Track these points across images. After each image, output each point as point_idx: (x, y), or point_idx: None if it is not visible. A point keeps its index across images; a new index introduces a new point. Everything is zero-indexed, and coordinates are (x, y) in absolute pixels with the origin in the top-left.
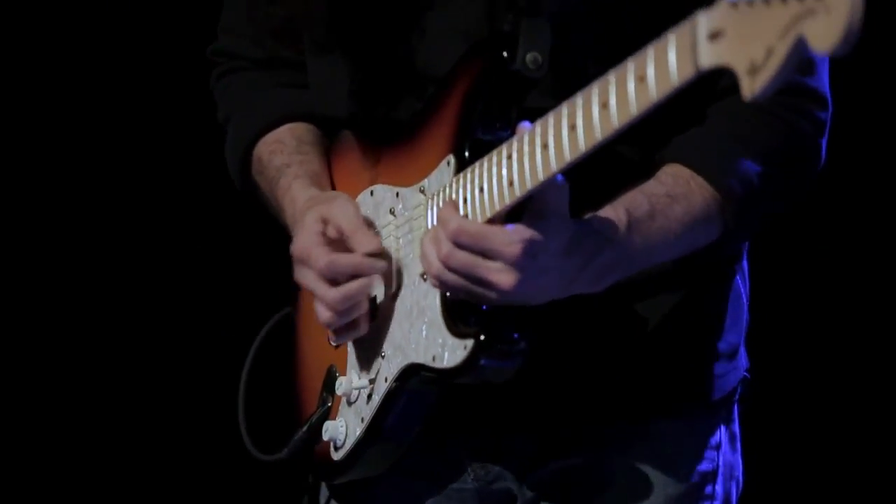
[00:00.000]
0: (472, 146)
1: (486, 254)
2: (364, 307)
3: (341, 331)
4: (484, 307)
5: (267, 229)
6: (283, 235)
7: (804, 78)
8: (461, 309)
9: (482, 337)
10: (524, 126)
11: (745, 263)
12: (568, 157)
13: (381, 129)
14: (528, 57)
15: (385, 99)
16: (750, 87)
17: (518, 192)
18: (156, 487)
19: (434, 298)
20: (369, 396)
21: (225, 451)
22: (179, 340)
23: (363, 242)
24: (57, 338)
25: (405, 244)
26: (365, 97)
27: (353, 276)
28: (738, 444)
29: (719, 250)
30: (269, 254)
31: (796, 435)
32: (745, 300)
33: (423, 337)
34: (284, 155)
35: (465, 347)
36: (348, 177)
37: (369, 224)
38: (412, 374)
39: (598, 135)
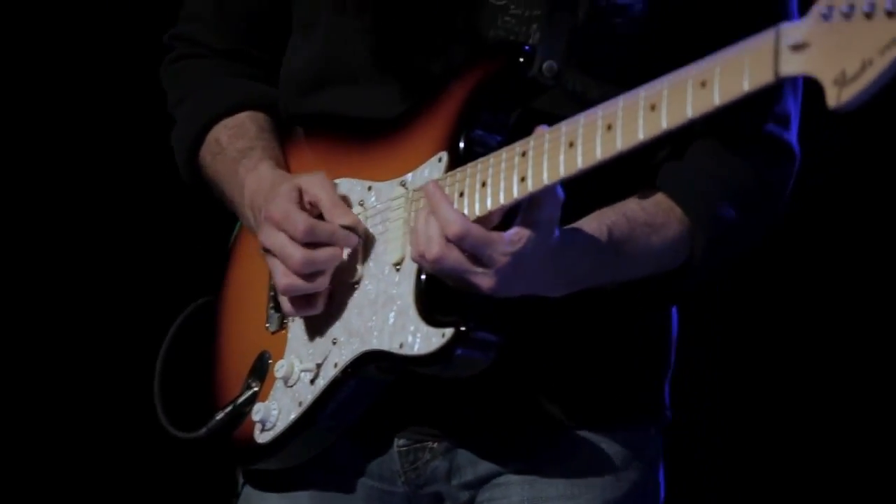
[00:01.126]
0: (467, 145)
1: (478, 258)
2: (327, 279)
3: (299, 303)
4: (463, 300)
5: (191, 221)
6: (209, 228)
7: (782, 132)
8: (437, 299)
9: (463, 328)
10: (542, 128)
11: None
12: (598, 155)
13: (354, 124)
14: (545, 65)
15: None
16: (837, 98)
17: (531, 187)
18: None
19: (407, 286)
20: (313, 380)
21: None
22: (99, 327)
23: (341, 216)
24: None
25: (376, 234)
26: (388, 55)
27: (326, 246)
28: (661, 464)
29: (678, 286)
30: (192, 245)
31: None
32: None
33: (388, 325)
34: (247, 139)
35: (442, 335)
36: (306, 170)
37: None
38: (368, 361)
39: (640, 135)
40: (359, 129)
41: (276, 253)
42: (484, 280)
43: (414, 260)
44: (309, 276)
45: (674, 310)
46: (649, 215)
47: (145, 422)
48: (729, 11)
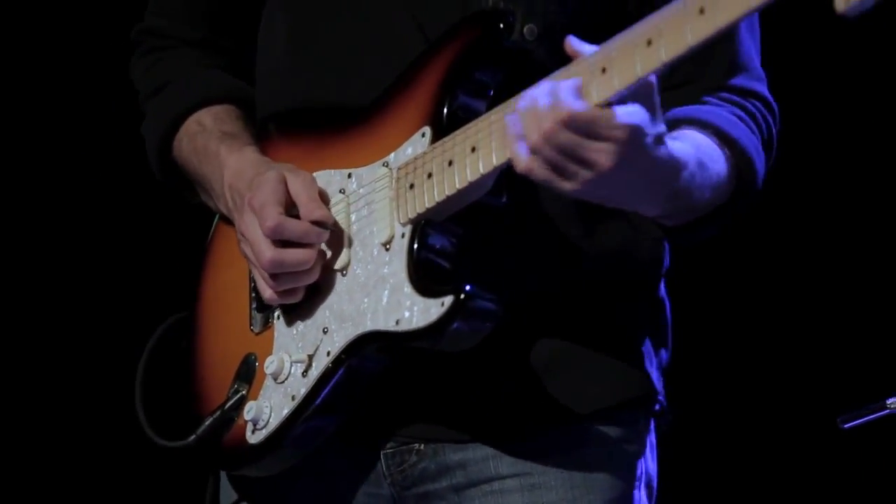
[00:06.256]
0: (451, 115)
1: (591, 136)
2: (308, 277)
3: (281, 295)
4: (458, 273)
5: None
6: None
7: (756, 85)
8: (432, 273)
9: (462, 295)
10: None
11: (663, 292)
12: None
13: (328, 115)
14: (526, 28)
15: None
16: (846, 1)
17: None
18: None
19: (399, 263)
20: (305, 372)
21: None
22: (82, 330)
23: (315, 210)
24: None
25: (360, 218)
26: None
27: (299, 244)
28: (655, 455)
29: (718, 222)
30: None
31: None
32: (668, 322)
33: (382, 304)
34: (233, 125)
35: (441, 304)
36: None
37: (324, 200)
38: (363, 345)
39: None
40: (334, 119)
41: (251, 242)
42: (602, 157)
43: (525, 135)
44: (282, 277)
45: (664, 294)
46: (708, 146)
47: (123, 430)
48: None
